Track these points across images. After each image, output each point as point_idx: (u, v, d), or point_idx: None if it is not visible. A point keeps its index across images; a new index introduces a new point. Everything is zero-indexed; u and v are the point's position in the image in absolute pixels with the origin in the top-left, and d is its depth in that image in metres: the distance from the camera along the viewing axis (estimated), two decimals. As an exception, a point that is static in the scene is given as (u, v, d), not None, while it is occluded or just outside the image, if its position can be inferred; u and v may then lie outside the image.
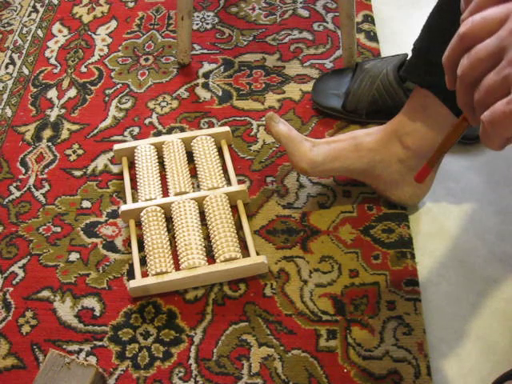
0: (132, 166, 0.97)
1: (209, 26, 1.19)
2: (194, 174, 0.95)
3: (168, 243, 0.85)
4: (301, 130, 0.99)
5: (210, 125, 1.02)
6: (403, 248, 0.85)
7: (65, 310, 0.82)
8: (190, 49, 1.10)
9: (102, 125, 1.04)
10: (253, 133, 1.00)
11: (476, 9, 0.41)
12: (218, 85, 1.08)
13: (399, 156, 0.82)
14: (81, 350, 0.78)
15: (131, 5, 1.25)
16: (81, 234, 0.90)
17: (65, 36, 1.20)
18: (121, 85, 1.10)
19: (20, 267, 0.87)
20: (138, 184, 0.92)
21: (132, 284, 0.80)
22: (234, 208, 0.90)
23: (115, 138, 1.02)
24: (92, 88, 1.10)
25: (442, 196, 0.91)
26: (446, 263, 0.84)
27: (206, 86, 1.08)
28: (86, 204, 0.94)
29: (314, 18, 1.18)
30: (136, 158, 0.95)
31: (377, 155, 0.83)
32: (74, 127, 1.04)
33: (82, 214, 0.92)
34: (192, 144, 0.96)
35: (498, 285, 0.82)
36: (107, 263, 0.86)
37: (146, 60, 1.14)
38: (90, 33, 1.20)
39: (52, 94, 1.10)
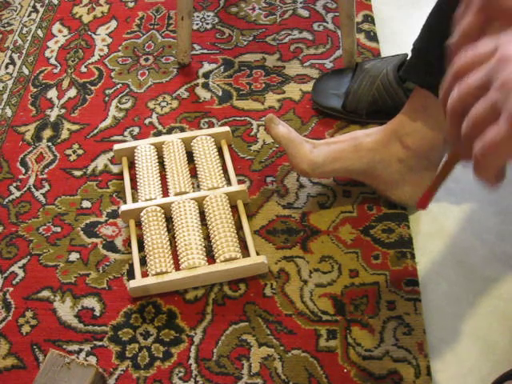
0: (132, 166, 0.97)
1: (209, 26, 1.19)
2: (194, 174, 0.95)
3: (168, 243, 0.85)
4: (301, 130, 0.99)
5: (210, 125, 1.02)
6: (403, 248, 0.85)
7: (65, 309, 0.82)
8: (190, 49, 1.10)
9: (102, 125, 1.04)
10: (253, 133, 1.00)
11: (464, 33, 0.43)
12: (218, 85, 1.08)
13: (399, 156, 0.82)
14: (81, 350, 0.78)
15: (131, 5, 1.25)
16: (81, 233, 0.90)
17: (65, 36, 1.20)
18: (121, 85, 1.10)
19: (20, 267, 0.87)
20: (138, 184, 0.92)
21: (132, 284, 0.80)
22: (234, 208, 0.90)
23: (115, 137, 1.02)
24: (92, 88, 1.10)
25: (442, 196, 0.91)
26: (446, 263, 0.84)
27: (206, 85, 1.08)
28: (86, 204, 0.94)
29: (314, 18, 1.18)
30: (136, 158, 0.95)
31: (377, 155, 0.83)
32: (74, 127, 1.04)
33: (82, 213, 0.92)
34: (192, 144, 0.96)
35: (498, 285, 0.82)
36: (107, 263, 0.86)
37: (146, 60, 1.14)
38: (89, 33, 1.20)
39: (52, 94, 1.10)
